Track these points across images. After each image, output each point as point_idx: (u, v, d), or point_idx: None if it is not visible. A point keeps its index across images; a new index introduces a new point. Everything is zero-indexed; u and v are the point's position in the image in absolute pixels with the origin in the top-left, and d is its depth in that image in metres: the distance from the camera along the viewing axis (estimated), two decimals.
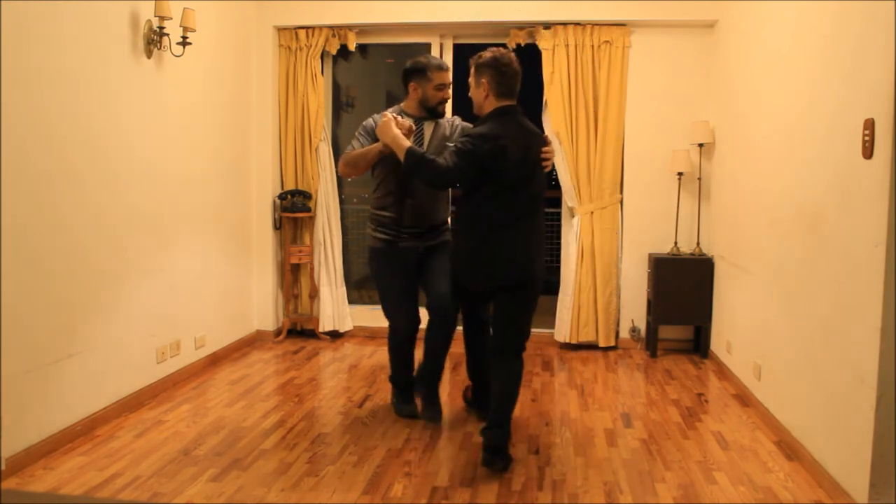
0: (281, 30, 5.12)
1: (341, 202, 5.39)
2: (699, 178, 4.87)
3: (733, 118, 4.37)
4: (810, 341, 3.02)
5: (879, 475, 2.44)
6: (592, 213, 4.94)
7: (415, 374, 3.63)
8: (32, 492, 2.71)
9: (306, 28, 5.07)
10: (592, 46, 4.86)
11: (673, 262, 4.78)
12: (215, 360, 4.52)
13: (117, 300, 3.54)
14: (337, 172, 4.87)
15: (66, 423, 3.18)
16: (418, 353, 3.63)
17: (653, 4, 4.78)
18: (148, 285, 3.79)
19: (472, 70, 3.09)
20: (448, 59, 5.14)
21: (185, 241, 4.15)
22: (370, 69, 6.57)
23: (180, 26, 3.85)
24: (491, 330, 3.22)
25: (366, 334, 5.30)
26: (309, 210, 5.16)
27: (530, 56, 4.82)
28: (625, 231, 5.03)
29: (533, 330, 5.06)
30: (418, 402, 3.59)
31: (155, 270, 3.86)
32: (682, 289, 4.74)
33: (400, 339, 3.50)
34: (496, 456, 2.96)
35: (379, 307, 3.57)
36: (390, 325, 3.50)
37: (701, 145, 4.83)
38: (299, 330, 5.31)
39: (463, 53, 4.89)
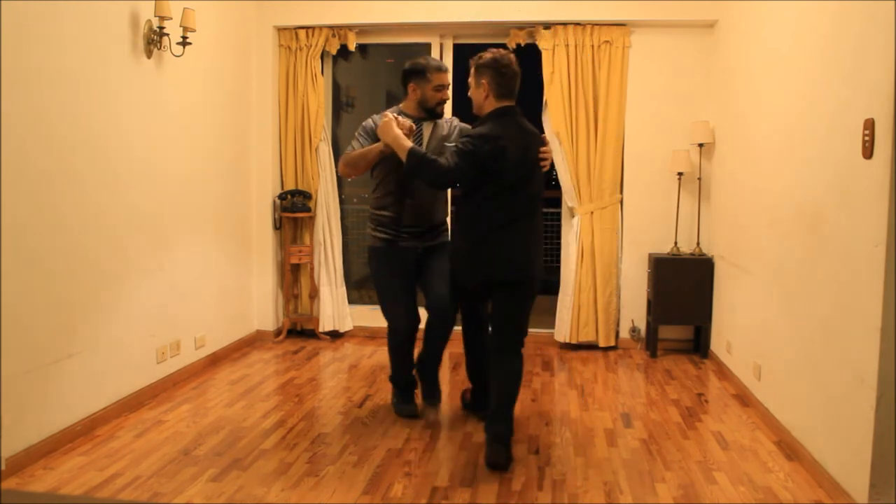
0: (281, 30, 5.12)
1: (341, 202, 5.39)
2: (699, 178, 4.87)
3: (733, 118, 4.37)
4: (810, 341, 3.02)
5: (879, 475, 2.44)
6: (592, 213, 4.94)
7: (415, 360, 3.65)
8: (32, 492, 2.71)
9: (306, 28, 5.07)
10: (592, 46, 4.86)
11: (673, 262, 4.78)
12: (215, 360, 4.52)
13: (117, 300, 3.54)
14: (337, 172, 4.87)
15: (66, 423, 3.18)
16: (418, 353, 3.65)
17: (653, 4, 4.78)
18: (148, 285, 3.79)
19: (472, 70, 3.12)
20: (448, 59, 5.15)
21: (185, 241, 4.16)
22: (370, 69, 6.57)
23: (180, 26, 3.85)
24: (489, 329, 3.24)
25: (366, 334, 5.30)
26: (309, 210, 5.16)
27: (530, 56, 4.82)
28: (625, 231, 5.03)
29: (533, 330, 5.15)
30: (418, 382, 3.61)
31: (155, 270, 3.86)
32: (682, 289, 4.74)
33: (399, 338, 3.51)
34: (500, 449, 2.97)
35: (379, 307, 3.57)
36: (389, 325, 3.50)
37: (701, 145, 4.83)
38: (299, 330, 5.31)
39: (463, 53, 4.89)
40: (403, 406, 3.60)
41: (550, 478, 2.90)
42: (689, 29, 4.87)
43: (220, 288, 4.65)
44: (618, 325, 5.08)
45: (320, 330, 5.21)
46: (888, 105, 2.37)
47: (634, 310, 5.05)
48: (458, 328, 3.56)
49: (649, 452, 3.17)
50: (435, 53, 5.15)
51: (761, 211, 3.72)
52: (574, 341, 5.00)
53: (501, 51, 3.09)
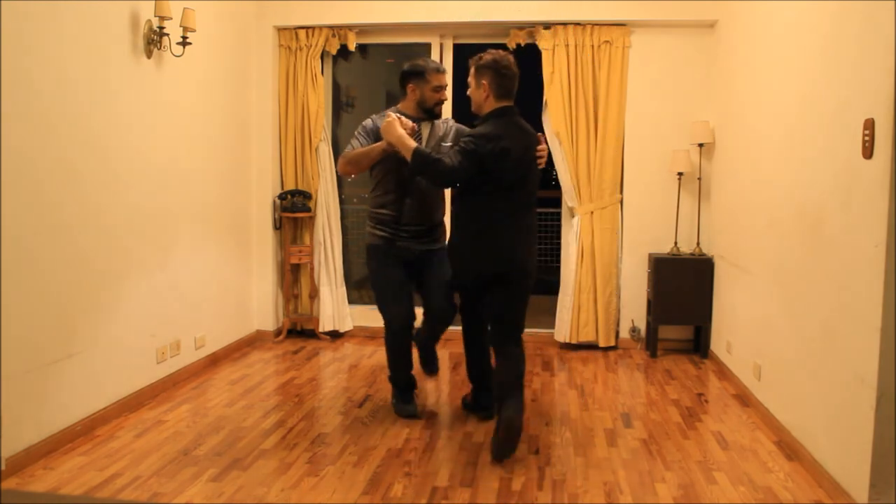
0: (281, 30, 5.12)
1: (341, 202, 5.39)
2: (699, 178, 4.87)
3: (733, 118, 4.37)
4: (810, 341, 3.02)
5: (879, 475, 2.44)
6: (592, 213, 4.94)
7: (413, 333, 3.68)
8: (32, 492, 2.71)
9: (306, 28, 5.07)
10: (592, 46, 4.86)
11: (673, 262, 4.78)
12: (215, 360, 4.52)
13: (117, 300, 3.54)
14: (336, 172, 4.87)
15: (66, 423, 3.18)
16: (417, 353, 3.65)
17: (653, 4, 4.78)
18: (148, 285, 3.79)
19: (473, 71, 3.20)
20: (448, 59, 5.15)
21: (185, 241, 4.15)
22: (370, 69, 6.56)
23: (180, 26, 3.85)
24: (488, 326, 3.33)
25: (366, 334, 5.30)
26: (309, 210, 5.16)
27: (530, 56, 4.82)
28: (625, 231, 5.03)
29: (533, 330, 5.16)
30: (415, 352, 3.64)
31: (155, 270, 3.86)
32: (682, 289, 4.74)
33: (395, 333, 3.51)
34: (510, 441, 3.01)
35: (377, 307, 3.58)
36: (385, 322, 3.51)
37: (701, 145, 4.83)
38: (299, 330, 5.31)
39: (463, 53, 4.89)
40: (403, 406, 3.61)
41: (550, 478, 2.90)
42: (689, 29, 4.87)
43: (220, 288, 4.65)
44: (618, 325, 5.08)
45: (320, 330, 5.21)
46: (888, 105, 2.37)
47: (634, 310, 5.05)
48: (458, 328, 3.58)
49: (649, 452, 3.17)
50: (435, 53, 5.15)
51: (761, 211, 3.73)
52: (574, 341, 5.00)
53: (501, 52, 3.17)
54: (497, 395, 3.16)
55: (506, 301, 3.21)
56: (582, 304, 4.97)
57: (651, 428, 3.48)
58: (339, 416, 3.62)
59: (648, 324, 4.93)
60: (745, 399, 3.88)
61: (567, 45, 4.86)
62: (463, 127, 3.54)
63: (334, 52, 5.14)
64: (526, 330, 3.33)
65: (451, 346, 4.80)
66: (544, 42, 4.90)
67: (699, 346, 4.86)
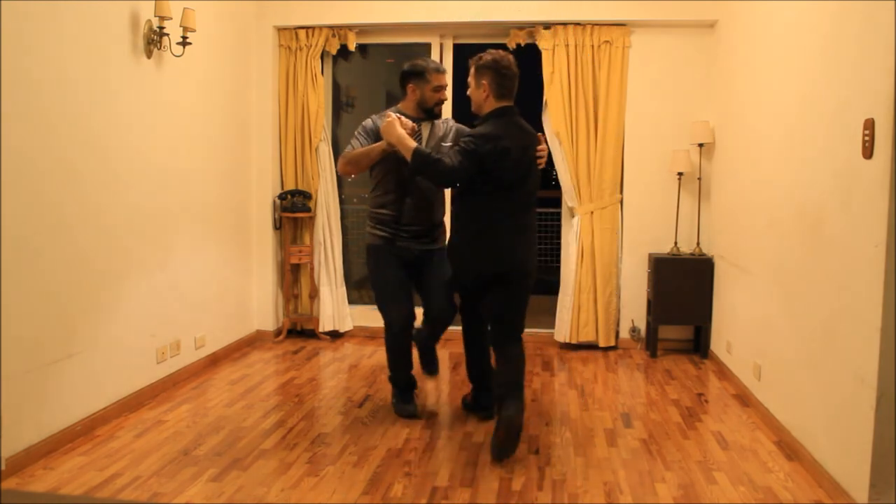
0: (281, 30, 5.12)
1: (341, 202, 5.39)
2: (699, 178, 4.87)
3: (733, 118, 4.37)
4: (810, 341, 3.02)
5: (879, 475, 2.44)
6: (592, 213, 4.94)
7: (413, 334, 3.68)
8: (32, 492, 2.71)
9: (306, 28, 5.07)
10: (592, 46, 4.86)
11: (673, 262, 4.78)
12: (215, 360, 4.52)
13: (117, 300, 3.54)
14: (336, 172, 4.88)
15: (66, 423, 3.18)
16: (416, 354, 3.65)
17: (653, 4, 4.78)
18: (148, 285, 3.79)
19: (473, 71, 3.21)
20: (448, 59, 5.15)
21: (185, 241, 4.16)
22: (370, 69, 6.56)
23: (180, 26, 3.85)
24: (488, 326, 3.35)
25: (366, 334, 5.30)
26: (309, 210, 5.16)
27: (530, 56, 4.82)
28: (625, 231, 5.03)
29: (533, 330, 5.16)
30: (415, 352, 3.64)
31: (155, 270, 3.86)
32: (682, 289, 4.74)
33: (395, 334, 3.51)
34: (510, 439, 3.02)
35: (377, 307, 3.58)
36: (385, 321, 3.51)
37: (701, 145, 4.83)
38: (299, 330, 5.31)
39: (463, 53, 4.89)
40: (403, 406, 3.61)
41: (550, 478, 2.90)
42: (689, 29, 4.87)
43: (220, 288, 4.65)
44: (618, 325, 5.08)
45: (320, 330, 5.22)
46: (888, 105, 2.37)
47: (634, 310, 5.05)
48: (458, 328, 3.58)
49: (649, 452, 3.17)
50: (435, 53, 5.15)
51: (761, 211, 3.73)
52: (574, 341, 4.99)
53: (501, 52, 3.19)
54: (497, 395, 3.16)
55: (506, 301, 3.23)
56: (582, 304, 4.97)
57: (651, 428, 3.48)
58: (339, 416, 3.62)
59: (648, 324, 4.93)
60: (745, 399, 3.88)
61: (567, 45, 4.86)
62: (463, 127, 3.55)
63: (334, 52, 5.14)
64: (526, 330, 3.33)
65: (451, 346, 4.80)
66: (544, 42, 4.90)
67: (699, 346, 4.86)
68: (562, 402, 3.89)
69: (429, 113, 3.49)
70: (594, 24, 4.84)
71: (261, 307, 5.19)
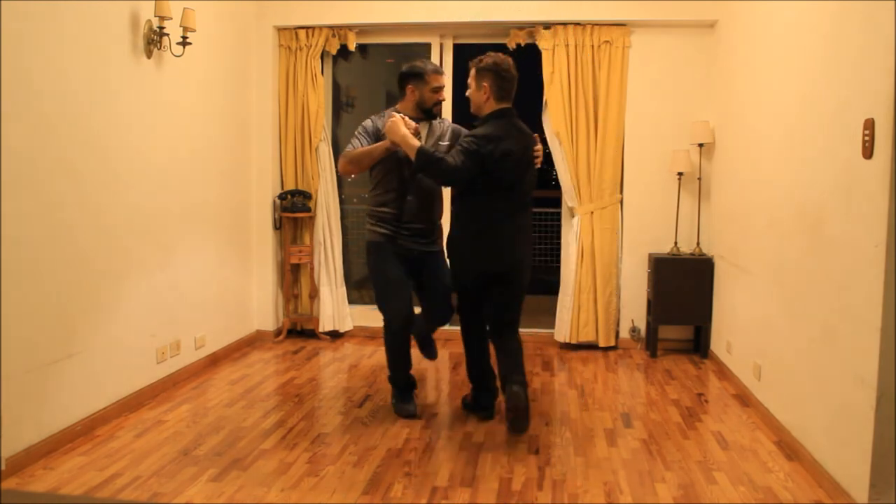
0: (281, 30, 5.12)
1: (341, 202, 5.39)
2: (699, 178, 4.87)
3: (733, 118, 4.37)
4: (810, 341, 3.02)
5: (879, 475, 2.44)
6: (592, 213, 4.94)
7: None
8: (32, 492, 2.71)
9: (306, 28, 5.07)
10: (592, 46, 4.86)
11: (673, 262, 4.78)
12: (215, 360, 4.52)
13: (117, 300, 3.54)
14: (336, 172, 4.88)
15: (66, 423, 3.18)
16: (417, 354, 3.66)
17: (653, 4, 4.78)
18: (148, 285, 3.79)
19: (473, 73, 3.30)
20: (448, 59, 5.16)
21: (185, 241, 4.15)
22: (370, 69, 6.56)
23: (180, 26, 3.85)
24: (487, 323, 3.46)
25: (366, 334, 5.30)
26: (309, 210, 5.16)
27: (530, 56, 4.83)
28: (625, 231, 5.03)
29: (533, 330, 5.17)
30: (414, 343, 3.69)
31: (155, 270, 3.86)
32: (682, 289, 4.74)
33: (395, 333, 3.51)
34: (520, 414, 3.13)
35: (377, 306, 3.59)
36: (385, 319, 3.52)
37: (701, 145, 4.83)
38: (299, 330, 5.31)
39: (463, 54, 4.90)
40: (403, 406, 3.61)
41: (550, 478, 2.90)
42: (689, 29, 4.87)
43: (220, 288, 4.65)
44: (618, 325, 5.08)
45: (320, 330, 5.21)
46: (888, 105, 2.37)
47: (634, 310, 5.05)
48: (457, 328, 3.58)
49: (649, 452, 3.17)
50: (435, 53, 5.15)
51: (761, 211, 3.72)
52: (574, 341, 4.99)
53: (501, 55, 3.28)
54: (501, 380, 3.29)
55: (506, 300, 3.35)
56: (582, 304, 4.97)
57: (651, 428, 3.48)
58: (339, 416, 3.62)
59: (648, 324, 4.93)
60: (745, 399, 3.88)
61: (567, 45, 4.86)
62: (458, 126, 3.61)
63: (334, 52, 5.14)
64: (526, 330, 3.39)
65: (451, 346, 4.80)
66: (544, 42, 4.90)
67: (699, 346, 4.86)
68: (562, 402, 3.89)
69: (427, 113, 3.52)
70: (594, 24, 4.84)
71: (261, 307, 5.19)
